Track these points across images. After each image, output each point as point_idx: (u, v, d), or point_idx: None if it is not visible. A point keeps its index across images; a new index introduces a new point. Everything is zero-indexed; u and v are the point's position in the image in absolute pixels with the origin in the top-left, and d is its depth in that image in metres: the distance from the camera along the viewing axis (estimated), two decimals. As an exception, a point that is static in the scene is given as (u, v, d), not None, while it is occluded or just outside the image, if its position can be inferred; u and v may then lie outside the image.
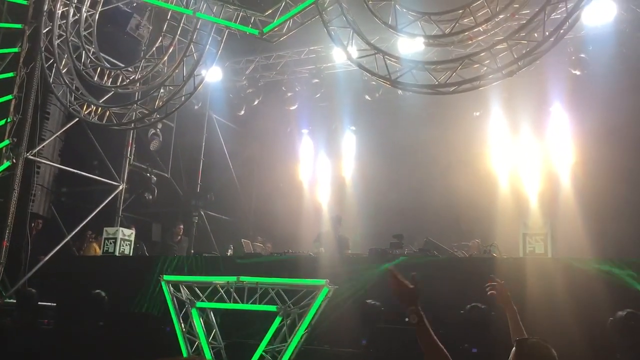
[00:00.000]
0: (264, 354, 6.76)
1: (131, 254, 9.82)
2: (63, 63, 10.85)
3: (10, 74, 10.70)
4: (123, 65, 11.31)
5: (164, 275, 7.64)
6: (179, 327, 7.26)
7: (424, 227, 11.40)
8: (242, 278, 7.09)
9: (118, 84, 10.78)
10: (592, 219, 10.30)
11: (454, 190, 11.65)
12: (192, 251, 12.09)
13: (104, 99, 11.14)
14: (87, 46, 10.91)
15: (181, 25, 10.14)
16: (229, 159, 15.22)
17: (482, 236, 10.01)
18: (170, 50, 10.29)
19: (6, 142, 10.45)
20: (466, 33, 7.71)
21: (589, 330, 5.83)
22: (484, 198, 11.56)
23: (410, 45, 9.41)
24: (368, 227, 12.19)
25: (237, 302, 7.08)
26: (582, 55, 10.99)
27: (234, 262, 8.48)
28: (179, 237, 11.82)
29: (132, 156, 12.97)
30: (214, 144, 14.90)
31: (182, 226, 11.98)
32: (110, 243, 9.64)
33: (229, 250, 10.38)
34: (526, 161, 12.02)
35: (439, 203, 11.84)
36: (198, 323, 7.19)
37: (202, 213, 13.99)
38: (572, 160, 11.69)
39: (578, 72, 11.12)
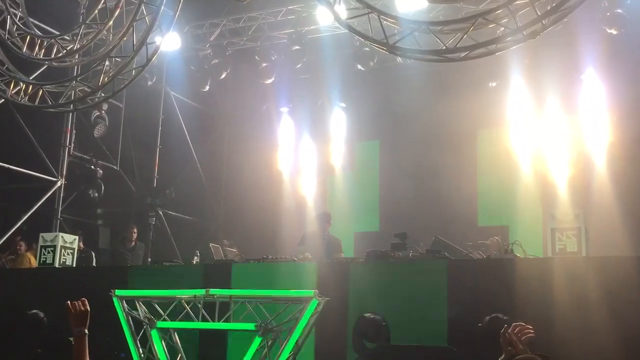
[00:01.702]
0: (241, 382, 6.78)
1: (74, 265, 9.76)
2: (-17, 31, 10.72)
3: None
4: (58, 33, 11.19)
5: (116, 290, 7.60)
6: (135, 352, 7.24)
7: (432, 224, 11.47)
8: (212, 291, 7.08)
9: (52, 56, 10.67)
10: (631, 208, 10.43)
11: (467, 178, 11.76)
12: (150, 260, 12.06)
13: (36, 74, 11.03)
14: (12, 10, 10.76)
15: (129, -19, 10.06)
16: (191, 145, 15.17)
17: (502, 232, 10.10)
18: (117, 13, 10.19)
19: None
20: (479, -14, 7.75)
21: (628, 342, 5.93)
22: (504, 186, 11.67)
23: (411, 3, 9.42)
24: (363, 226, 12.25)
25: (207, 321, 7.07)
26: (619, 11, 11.07)
27: (202, 271, 8.46)
28: (133, 243, 11.79)
29: (72, 145, 12.88)
30: (173, 128, 14.85)
31: (136, 230, 11.94)
32: (48, 252, 9.54)
33: (195, 258, 10.36)
34: (553, 140, 12.11)
35: (450, 194, 11.92)
36: (159, 347, 7.18)
37: (161, 213, 13.96)
38: (608, 138, 11.81)
39: (614, 32, 11.19)
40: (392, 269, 7.63)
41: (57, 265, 9.43)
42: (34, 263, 10.58)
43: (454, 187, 11.87)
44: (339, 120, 14.53)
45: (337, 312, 7.14)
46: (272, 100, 14.75)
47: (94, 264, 10.83)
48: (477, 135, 12.10)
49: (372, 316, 6.98)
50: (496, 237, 9.90)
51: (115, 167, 14.16)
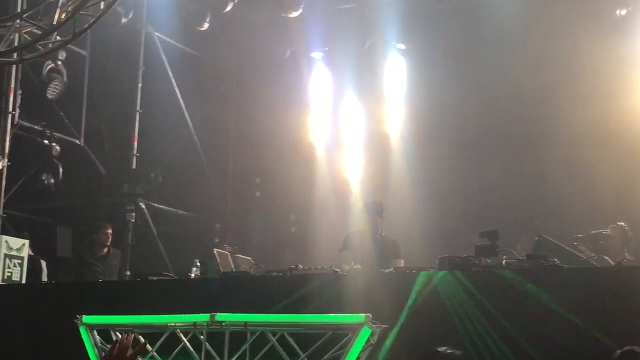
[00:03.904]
0: None
1: (23, 281, 9.90)
2: None
3: None
4: (-6, -48, 11.30)
5: (83, 316, 7.69)
6: (112, 403, 7.34)
7: (532, 218, 11.37)
8: (220, 316, 7.13)
9: (-14, -16, 10.76)
10: None
11: (582, 147, 11.60)
12: (129, 272, 12.15)
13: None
14: None
15: None
16: (184, 109, 15.19)
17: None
18: None
19: None
20: None
21: None
22: (637, 159, 11.52)
23: None
24: (433, 220, 12.19)
25: (214, 358, 7.13)
26: None
27: (204, 288, 8.51)
28: (105, 249, 11.90)
29: (17, 111, 12.99)
30: (159, 85, 14.88)
31: (109, 230, 12.03)
32: (-13, 263, 9.74)
33: (194, 269, 10.46)
34: None
35: (557, 174, 11.79)
36: (146, 395, 7.27)
37: (143, 206, 14.03)
38: None
39: None
40: (477, 282, 7.58)
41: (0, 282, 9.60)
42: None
43: (564, 164, 11.74)
44: (396, 69, 14.46)
45: (398, 345, 7.13)
46: (299, 41, 14.71)
47: (45, 278, 10.93)
48: (598, 87, 11.90)
49: (448, 351, 6.97)
50: (620, 223, 9.89)
51: (77, 142, 14.25)
